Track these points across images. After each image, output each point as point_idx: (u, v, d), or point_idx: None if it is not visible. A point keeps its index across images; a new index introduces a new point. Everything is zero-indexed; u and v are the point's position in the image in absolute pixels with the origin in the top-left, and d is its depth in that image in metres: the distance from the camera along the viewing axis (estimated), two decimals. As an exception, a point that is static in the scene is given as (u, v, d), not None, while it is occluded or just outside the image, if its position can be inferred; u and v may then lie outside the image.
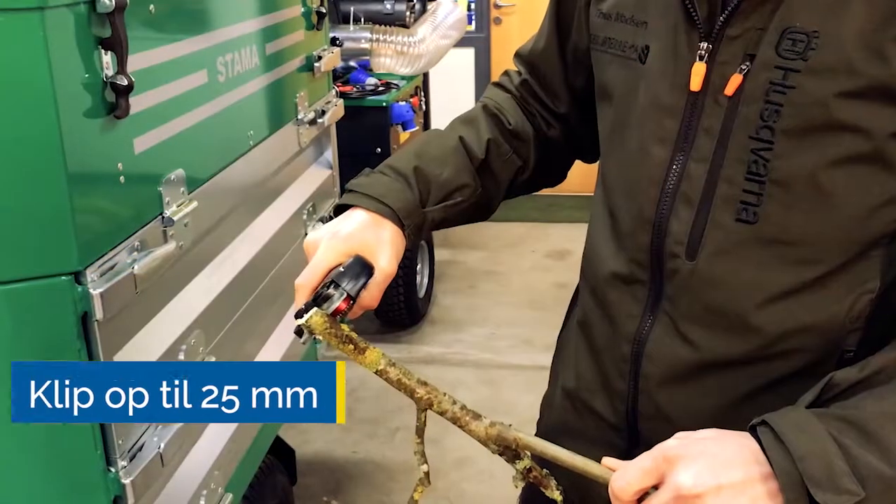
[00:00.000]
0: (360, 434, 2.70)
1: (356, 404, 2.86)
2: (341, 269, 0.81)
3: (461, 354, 3.15)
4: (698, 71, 0.78)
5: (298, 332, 0.80)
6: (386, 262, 0.84)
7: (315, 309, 0.78)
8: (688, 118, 0.79)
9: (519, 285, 3.74)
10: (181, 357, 1.27)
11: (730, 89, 0.77)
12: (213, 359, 1.37)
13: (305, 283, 0.83)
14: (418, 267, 3.32)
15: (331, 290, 0.80)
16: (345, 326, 0.79)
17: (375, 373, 0.79)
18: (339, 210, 0.90)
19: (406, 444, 2.65)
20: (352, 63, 3.16)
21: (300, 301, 0.82)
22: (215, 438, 1.42)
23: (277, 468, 1.91)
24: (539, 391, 3.53)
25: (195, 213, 1.27)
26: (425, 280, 3.43)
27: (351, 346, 0.79)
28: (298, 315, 0.80)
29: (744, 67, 0.76)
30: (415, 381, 0.80)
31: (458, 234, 4.21)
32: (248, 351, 1.61)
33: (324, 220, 2.00)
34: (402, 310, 3.18)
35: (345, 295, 0.79)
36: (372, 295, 0.83)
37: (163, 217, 1.20)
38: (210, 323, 1.38)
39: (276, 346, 1.73)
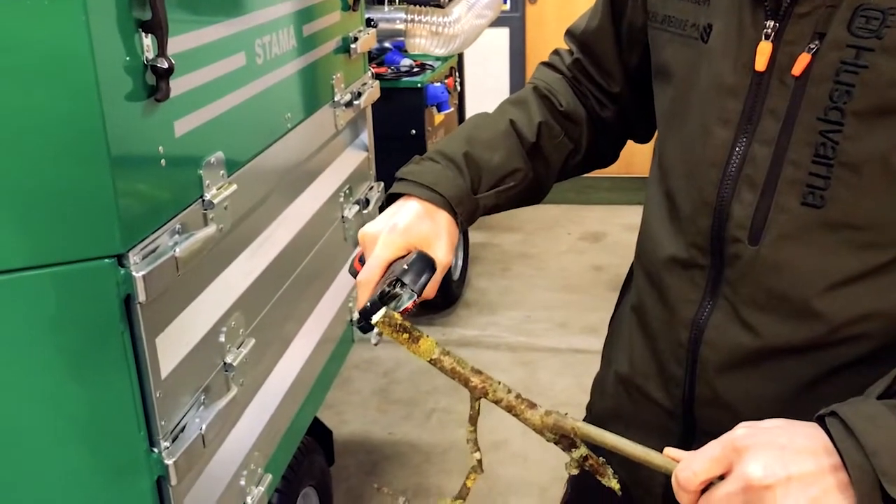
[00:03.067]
0: (396, 416, 2.72)
1: (392, 386, 2.87)
2: (405, 266, 0.81)
3: (495, 337, 3.15)
4: (764, 50, 0.76)
5: (364, 328, 0.80)
6: (443, 253, 0.84)
7: (385, 310, 0.78)
8: (752, 99, 0.77)
9: (554, 268, 3.73)
10: (221, 339, 1.29)
11: (797, 69, 0.75)
12: (253, 341, 1.38)
13: (368, 279, 0.83)
14: (453, 249, 3.33)
15: (398, 290, 0.80)
16: (397, 315, 0.79)
17: (429, 361, 0.80)
18: (391, 199, 0.90)
19: (441, 426, 2.66)
20: (386, 44, 3.15)
21: (363, 298, 0.82)
22: (255, 420, 1.44)
23: (315, 449, 1.93)
24: (574, 374, 3.52)
25: (235, 195, 1.27)
26: (459, 263, 3.43)
27: (406, 336, 0.80)
28: (364, 313, 0.80)
29: (812, 46, 0.74)
30: (469, 370, 0.80)
31: (492, 217, 4.15)
32: (287, 333, 1.62)
33: (360, 204, 2.01)
34: (437, 292, 3.18)
35: (414, 295, 0.79)
36: (431, 286, 0.83)
37: (203, 200, 1.21)
38: (250, 305, 1.39)
39: (314, 328, 1.75)
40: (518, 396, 0.79)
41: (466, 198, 0.88)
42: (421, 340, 0.80)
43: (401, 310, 0.79)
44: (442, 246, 0.85)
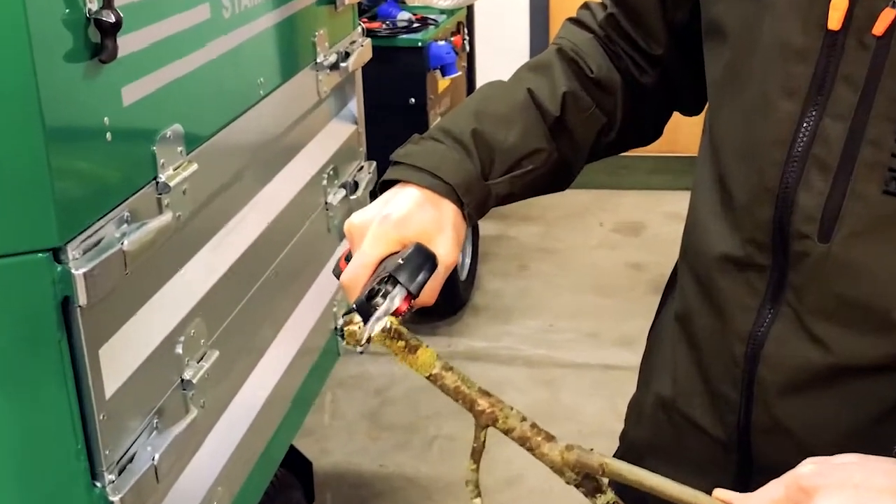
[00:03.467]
0: (389, 444, 2.72)
1: (383, 408, 2.88)
2: (399, 260, 0.81)
3: (511, 350, 3.15)
4: (838, 5, 0.75)
5: (346, 334, 0.80)
6: (447, 250, 0.84)
7: (378, 318, 0.78)
8: (823, 64, 0.77)
9: (582, 266, 3.73)
10: (179, 351, 1.29)
11: (879, 28, 0.74)
12: (217, 353, 1.38)
13: (353, 279, 0.83)
14: (459, 243, 3.33)
15: (388, 287, 0.79)
16: (394, 321, 0.79)
17: (427, 377, 0.79)
18: (385, 187, 0.90)
19: (444, 457, 2.66)
20: (380, -6, 3.15)
21: (352, 301, 0.82)
22: (219, 448, 1.44)
23: (292, 484, 1.93)
24: (606, 396, 3.53)
25: (195, 177, 1.27)
26: (467, 260, 3.43)
27: (401, 344, 0.79)
28: (347, 316, 0.80)
29: None
30: (476, 391, 0.80)
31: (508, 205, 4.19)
32: (258, 344, 1.62)
33: (347, 187, 2.00)
34: (439, 295, 3.19)
35: (405, 293, 0.78)
36: (432, 289, 0.83)
37: (157, 182, 1.20)
38: (213, 310, 1.39)
39: (291, 338, 1.75)
40: (534, 426, 0.79)
41: (475, 185, 0.88)
42: (419, 351, 0.79)
43: (390, 312, 0.78)
44: (445, 241, 0.84)
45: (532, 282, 3.61)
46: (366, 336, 0.79)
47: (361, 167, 2.11)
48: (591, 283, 3.59)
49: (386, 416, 2.84)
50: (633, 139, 1.03)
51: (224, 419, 1.47)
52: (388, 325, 0.79)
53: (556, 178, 0.96)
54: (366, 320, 0.79)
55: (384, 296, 0.79)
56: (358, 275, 0.83)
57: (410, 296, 0.79)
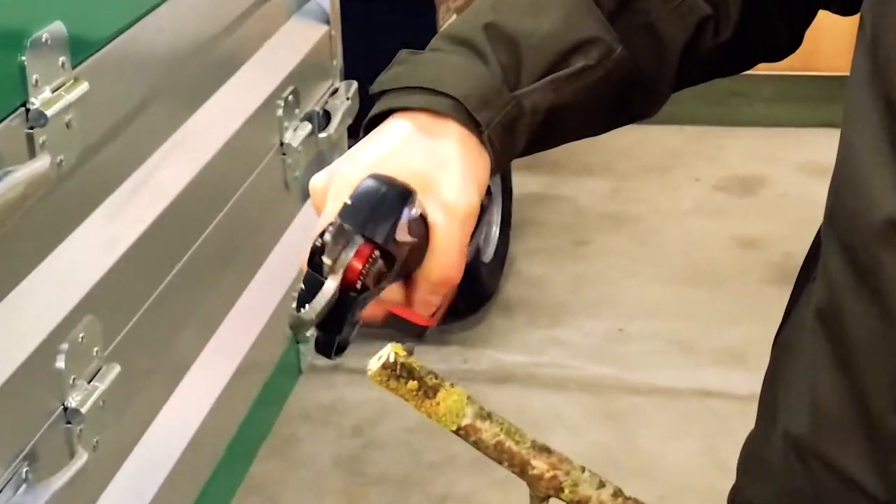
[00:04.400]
0: (377, 507, 2.74)
1: (367, 452, 2.90)
2: (348, 200, 0.82)
3: (560, 368, 3.15)
4: None
5: (290, 324, 0.82)
6: (455, 191, 0.85)
7: (314, 305, 0.79)
8: None
9: (668, 242, 3.73)
10: (60, 364, 1.30)
11: None
12: (117, 368, 1.39)
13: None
14: (482, 206, 3.33)
15: (327, 238, 0.80)
16: (399, 348, 0.80)
17: (456, 432, 0.81)
18: (370, 128, 0.91)
19: (459, 528, 2.68)
20: None
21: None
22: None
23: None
24: (703, 435, 3.53)
25: (85, 103, 1.28)
26: (493, 231, 3.43)
27: (412, 385, 0.81)
28: (300, 306, 0.81)
29: None
30: (528, 447, 0.81)
31: (555, 151, 4.14)
32: (180, 355, 1.63)
33: (314, 120, 2.00)
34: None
35: (361, 240, 0.79)
36: (440, 261, 0.83)
37: (28, 109, 1.21)
38: (111, 305, 1.40)
39: (229, 347, 1.76)
40: (617, 494, 0.80)
41: (494, 94, 0.88)
42: (440, 394, 0.81)
43: (342, 270, 0.79)
44: (451, 179, 0.85)
45: (593, 265, 3.61)
46: (312, 316, 0.79)
47: (336, 90, 2.11)
48: (682, 268, 3.58)
49: (371, 465, 2.84)
50: (756, 49, 1.03)
51: (128, 467, 1.48)
52: (392, 358, 0.81)
53: (629, 93, 0.97)
54: (311, 296, 0.80)
55: (332, 254, 0.80)
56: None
57: (372, 245, 0.79)
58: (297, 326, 0.81)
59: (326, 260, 0.80)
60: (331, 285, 0.79)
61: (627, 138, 4.18)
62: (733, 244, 3.69)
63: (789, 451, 0.96)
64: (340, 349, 0.83)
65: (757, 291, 3.41)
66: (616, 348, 3.23)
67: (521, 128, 0.91)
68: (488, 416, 0.82)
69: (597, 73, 0.94)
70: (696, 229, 3.78)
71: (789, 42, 1.05)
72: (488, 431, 0.82)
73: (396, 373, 0.80)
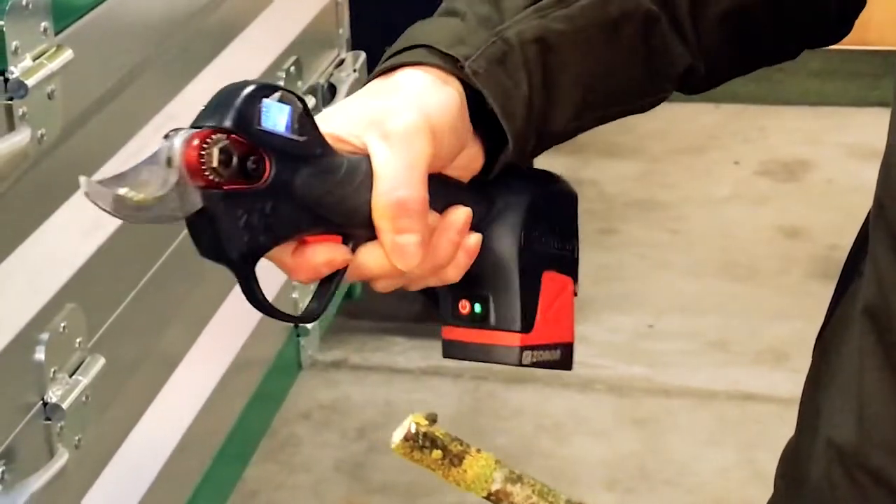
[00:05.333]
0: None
1: (372, 457, 2.89)
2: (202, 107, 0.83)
3: (584, 367, 3.13)
4: None
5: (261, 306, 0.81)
6: (396, 115, 0.84)
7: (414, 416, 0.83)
8: None
9: (704, 231, 3.73)
10: (40, 356, 1.31)
11: None
12: (101, 361, 1.40)
13: None
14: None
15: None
16: (419, 418, 0.82)
17: (487, 497, 0.83)
18: None
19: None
20: None
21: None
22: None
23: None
24: (741, 442, 3.48)
25: (69, 72, 1.29)
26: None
27: (436, 454, 0.83)
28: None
29: None
30: None
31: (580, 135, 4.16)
32: (170, 347, 1.65)
33: (318, 93, 2.01)
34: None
35: (189, 131, 0.79)
36: (383, 184, 0.81)
37: (6, 79, 1.22)
38: (95, 292, 1.41)
39: (222, 340, 1.78)
40: None
41: (470, 33, 0.89)
42: (467, 459, 0.83)
43: (179, 162, 0.78)
44: (394, 107, 0.85)
45: (621, 256, 3.60)
46: (139, 197, 0.77)
47: (342, 61, 2.13)
48: (718, 260, 3.57)
49: (376, 471, 2.83)
50: (804, 25, 1.04)
51: (112, 469, 1.49)
52: (414, 429, 0.83)
53: (656, 47, 0.97)
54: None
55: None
56: None
57: (210, 130, 0.79)
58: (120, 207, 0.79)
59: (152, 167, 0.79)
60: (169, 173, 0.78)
61: (659, 117, 4.19)
62: (775, 234, 3.69)
63: (833, 462, 0.96)
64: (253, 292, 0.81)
65: (800, 285, 3.41)
66: (646, 346, 3.23)
67: (515, 63, 0.89)
68: (519, 479, 0.84)
69: (611, 15, 0.93)
70: (734, 218, 3.77)
71: (839, 25, 1.06)
72: (520, 495, 0.84)
73: (419, 443, 0.83)
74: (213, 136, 0.78)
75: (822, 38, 1.07)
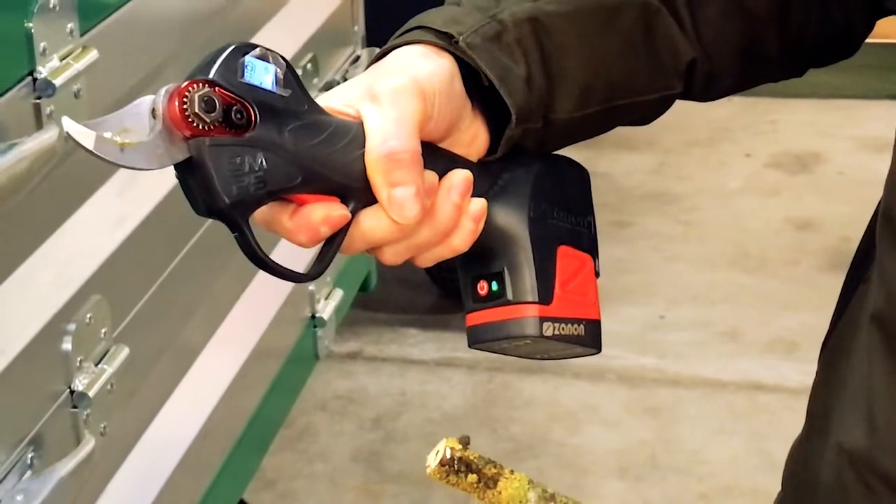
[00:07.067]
0: (398, 505, 2.77)
1: (388, 447, 2.90)
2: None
3: (596, 357, 3.06)
4: None
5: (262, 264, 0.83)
6: (383, 79, 0.85)
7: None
8: None
9: (716, 223, 3.72)
10: (67, 346, 1.34)
11: None
12: (126, 351, 1.43)
13: None
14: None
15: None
16: (453, 443, 0.84)
17: None
18: None
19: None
20: None
21: None
22: (129, 500, 1.50)
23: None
24: (750, 432, 3.44)
25: (94, 71, 1.31)
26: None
27: (472, 478, 0.84)
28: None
29: None
30: None
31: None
32: (191, 339, 1.67)
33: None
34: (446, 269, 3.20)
35: (173, 84, 0.79)
36: (374, 138, 0.82)
37: (35, 79, 1.24)
38: (120, 284, 1.43)
39: (242, 331, 1.79)
40: None
41: (464, 14, 0.90)
42: (501, 482, 0.84)
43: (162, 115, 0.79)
44: (384, 73, 0.86)
45: (634, 248, 3.60)
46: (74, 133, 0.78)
47: (357, 57, 2.14)
48: (730, 252, 3.57)
49: (392, 460, 2.85)
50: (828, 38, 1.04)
51: (136, 455, 1.51)
52: (449, 454, 0.84)
53: (659, 37, 0.97)
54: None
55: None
56: None
57: (192, 82, 0.80)
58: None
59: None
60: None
61: (672, 110, 4.19)
62: (786, 226, 3.69)
63: (844, 466, 0.96)
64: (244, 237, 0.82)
65: (811, 277, 3.41)
66: (657, 337, 3.24)
67: (509, 41, 0.90)
68: (552, 498, 0.85)
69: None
70: (746, 209, 3.77)
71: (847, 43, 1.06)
72: None
73: (455, 468, 0.84)
74: (196, 86, 0.79)
75: (829, 57, 1.06)
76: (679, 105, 1.04)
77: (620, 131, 3.64)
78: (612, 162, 4.00)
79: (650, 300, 3.39)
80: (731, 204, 3.82)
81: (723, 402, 3.01)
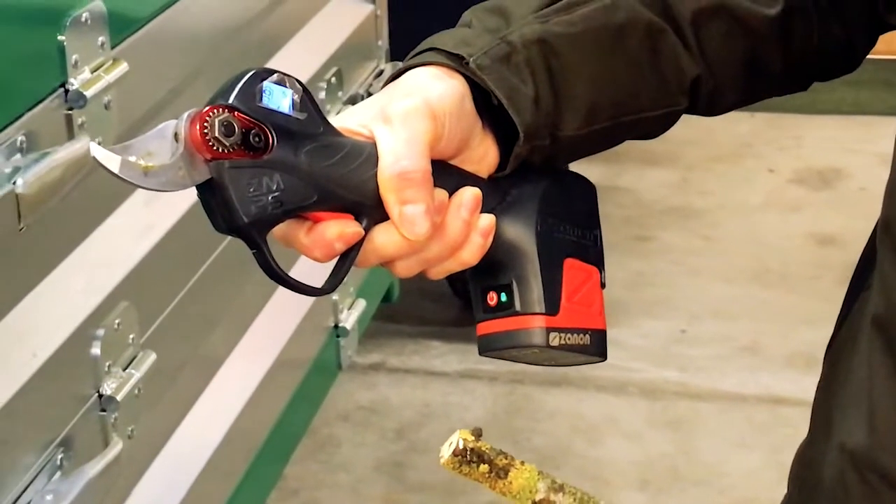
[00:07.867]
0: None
1: (411, 457, 2.90)
2: None
3: (618, 371, 3.14)
4: None
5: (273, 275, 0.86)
6: (395, 101, 0.87)
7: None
8: None
9: (738, 238, 3.71)
10: (96, 351, 1.36)
11: None
12: (153, 356, 1.45)
13: None
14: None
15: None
16: (466, 434, 0.86)
17: None
18: None
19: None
20: None
21: None
22: (156, 501, 1.52)
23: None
24: (771, 444, 3.41)
25: (124, 83, 1.33)
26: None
27: (483, 469, 0.86)
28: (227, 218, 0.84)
29: None
30: None
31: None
32: (216, 345, 1.69)
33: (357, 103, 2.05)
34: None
35: (195, 110, 0.82)
36: (386, 158, 0.85)
37: (67, 91, 1.27)
38: (148, 291, 1.46)
39: (265, 339, 1.81)
40: None
41: (475, 37, 0.92)
42: (512, 473, 0.86)
43: (186, 134, 0.82)
44: (396, 94, 0.88)
45: (656, 262, 3.60)
46: (98, 154, 0.81)
47: (381, 72, 2.16)
48: (752, 267, 3.56)
49: (414, 471, 2.84)
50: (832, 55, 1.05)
51: (162, 459, 1.54)
52: (462, 445, 0.86)
53: (664, 55, 0.98)
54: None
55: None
56: None
57: (212, 107, 0.83)
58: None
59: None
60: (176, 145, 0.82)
61: (694, 126, 4.18)
62: (808, 241, 3.68)
63: (846, 466, 0.97)
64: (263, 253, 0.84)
65: (832, 292, 3.31)
66: (679, 351, 3.23)
67: (518, 62, 0.92)
68: (561, 488, 0.87)
69: (591, 6, 0.96)
70: (768, 225, 3.77)
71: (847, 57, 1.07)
72: (563, 502, 0.87)
73: (467, 458, 0.85)
74: (216, 111, 0.82)
75: (831, 71, 1.07)
76: (702, 121, 1.05)
77: (644, 147, 3.68)
78: (634, 177, 4.00)
79: (672, 314, 3.39)
80: (753, 219, 3.81)
81: (743, 416, 3.02)
